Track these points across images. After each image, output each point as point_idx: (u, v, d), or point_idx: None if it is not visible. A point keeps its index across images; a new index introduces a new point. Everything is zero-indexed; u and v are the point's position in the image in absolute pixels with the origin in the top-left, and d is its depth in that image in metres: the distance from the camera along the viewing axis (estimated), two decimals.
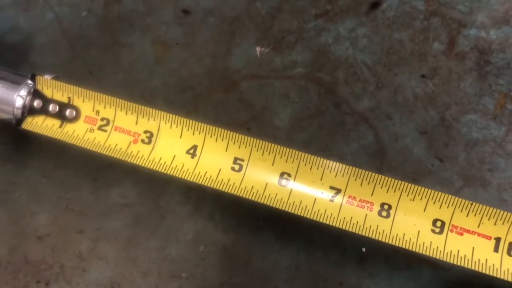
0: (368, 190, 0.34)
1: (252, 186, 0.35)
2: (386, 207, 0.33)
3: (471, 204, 0.33)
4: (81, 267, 0.38)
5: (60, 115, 0.37)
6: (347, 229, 0.33)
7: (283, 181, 0.34)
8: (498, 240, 0.32)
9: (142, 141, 0.36)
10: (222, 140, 0.35)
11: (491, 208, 0.33)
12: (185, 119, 0.36)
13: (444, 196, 0.33)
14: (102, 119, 0.36)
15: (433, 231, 0.33)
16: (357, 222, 0.33)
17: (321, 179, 0.34)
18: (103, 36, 0.44)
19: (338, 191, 0.34)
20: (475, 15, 0.43)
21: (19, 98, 0.37)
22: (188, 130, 0.36)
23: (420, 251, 0.33)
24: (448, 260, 0.32)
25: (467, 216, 0.33)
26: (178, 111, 0.37)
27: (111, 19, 0.45)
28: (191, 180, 0.35)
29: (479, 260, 0.32)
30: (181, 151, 0.35)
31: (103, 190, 0.40)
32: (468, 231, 0.33)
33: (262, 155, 0.35)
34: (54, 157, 0.41)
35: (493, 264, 0.32)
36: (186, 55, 0.44)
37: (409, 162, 0.40)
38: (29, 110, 0.37)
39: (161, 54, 0.44)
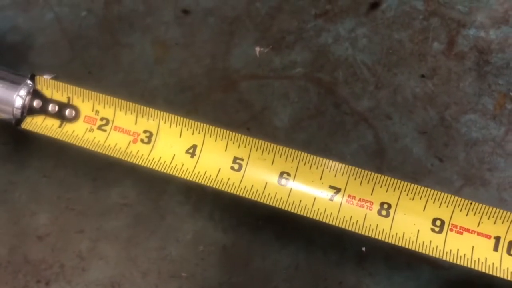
0: (368, 189, 0.34)
1: (252, 186, 0.35)
2: (385, 206, 0.33)
3: (471, 203, 0.33)
4: (81, 266, 0.38)
5: (59, 115, 0.37)
6: (346, 228, 0.33)
7: (283, 181, 0.34)
8: (497, 239, 0.32)
9: (142, 140, 0.36)
10: (222, 139, 0.35)
11: (491, 207, 0.33)
12: (185, 119, 0.36)
13: (444, 195, 0.33)
14: (101, 119, 0.36)
15: (432, 230, 0.33)
16: (357, 221, 0.33)
17: (320, 179, 0.34)
18: (103, 36, 0.44)
19: (337, 190, 0.34)
20: (475, 15, 0.43)
21: (19, 98, 0.37)
22: (187, 129, 0.36)
23: (420, 250, 0.33)
24: (447, 259, 0.32)
25: (466, 215, 0.33)
26: (177, 111, 0.37)
27: (111, 19, 0.45)
28: (190, 179, 0.35)
29: (478, 259, 0.32)
30: (181, 150, 0.35)
31: (103, 190, 0.40)
32: (467, 230, 0.33)
33: (262, 154, 0.35)
34: (54, 157, 0.41)
35: (493, 263, 0.32)
36: (185, 55, 0.44)
37: (409, 162, 0.40)
38: (28, 110, 0.37)
39: (161, 54, 0.44)
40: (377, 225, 0.33)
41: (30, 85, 0.37)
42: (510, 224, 0.32)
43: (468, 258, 0.32)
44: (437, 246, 0.33)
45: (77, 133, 0.36)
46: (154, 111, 0.36)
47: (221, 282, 0.38)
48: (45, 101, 0.37)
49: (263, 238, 0.39)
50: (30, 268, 0.38)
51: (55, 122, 0.37)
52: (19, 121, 0.37)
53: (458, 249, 0.32)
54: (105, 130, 0.36)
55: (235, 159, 0.35)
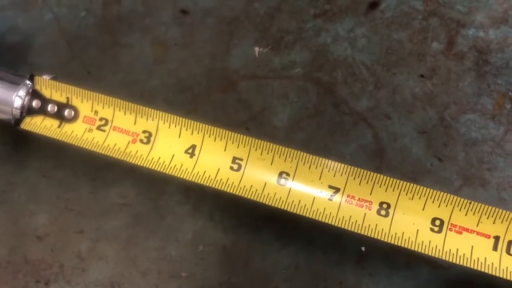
0: (367, 189, 0.34)
1: (251, 186, 0.35)
2: (385, 206, 0.33)
3: (470, 203, 0.33)
4: (81, 266, 0.38)
5: (58, 115, 0.37)
6: (346, 228, 0.33)
7: (282, 181, 0.34)
8: (497, 238, 0.32)
9: (141, 141, 0.36)
10: (221, 139, 0.35)
11: (490, 207, 0.33)
12: (184, 119, 0.36)
13: (443, 195, 0.33)
14: (100, 119, 0.36)
15: (432, 230, 0.33)
16: (356, 221, 0.33)
17: (320, 178, 0.34)
18: (102, 36, 0.44)
19: (337, 190, 0.34)
20: (474, 15, 0.43)
21: (18, 98, 0.37)
22: (186, 130, 0.36)
23: (419, 250, 0.33)
24: (447, 259, 0.32)
25: (466, 215, 0.33)
26: (177, 111, 0.37)
27: (110, 19, 0.45)
28: (190, 179, 0.35)
29: (478, 258, 0.32)
30: (180, 150, 0.35)
31: (102, 190, 0.40)
32: (467, 230, 0.33)
33: (261, 154, 0.35)
34: (53, 157, 0.41)
35: (492, 263, 0.32)
36: (185, 56, 0.44)
37: (408, 162, 0.40)
38: (27, 110, 0.37)
39: (160, 55, 0.44)
40: (376, 225, 0.33)
41: (29, 86, 0.37)
42: (509, 223, 0.32)
43: (467, 258, 0.32)
44: (436, 246, 0.33)
45: (76, 133, 0.36)
46: (153, 111, 0.36)
47: (221, 282, 0.38)
48: (44, 101, 0.37)
49: (263, 238, 0.39)
50: (30, 268, 0.38)
51: (54, 122, 0.37)
52: (18, 121, 0.37)
53: (457, 249, 0.32)
54: (104, 130, 0.36)
55: (234, 159, 0.35)
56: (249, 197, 0.34)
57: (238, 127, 0.41)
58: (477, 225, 0.33)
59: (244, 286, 0.38)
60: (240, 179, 0.35)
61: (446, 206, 0.33)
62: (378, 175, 0.34)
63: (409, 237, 0.33)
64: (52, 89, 0.37)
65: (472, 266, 0.32)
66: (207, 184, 0.35)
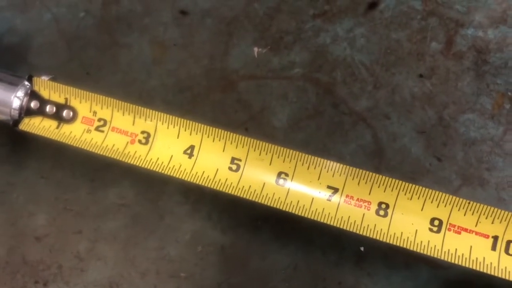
0: (366, 189, 0.34)
1: (250, 186, 0.35)
2: (383, 206, 0.33)
3: (469, 203, 0.33)
4: (80, 267, 0.38)
5: (57, 116, 0.37)
6: (344, 228, 0.33)
7: (281, 181, 0.34)
8: (495, 238, 0.32)
9: (139, 141, 0.36)
10: (219, 140, 0.35)
11: (489, 207, 0.33)
12: (182, 119, 0.36)
13: (442, 195, 0.33)
14: (99, 120, 0.36)
15: (430, 230, 0.33)
16: (355, 221, 0.33)
17: (318, 179, 0.34)
18: (101, 36, 0.44)
19: (335, 190, 0.34)
20: (473, 14, 0.43)
21: (16, 99, 0.37)
22: (185, 130, 0.36)
23: (418, 250, 0.33)
24: (445, 259, 0.32)
25: (464, 215, 0.33)
26: (176, 112, 0.37)
27: (109, 19, 0.45)
28: (188, 180, 0.35)
29: (476, 258, 0.32)
30: (179, 151, 0.35)
31: (101, 191, 0.40)
32: (465, 230, 0.33)
33: (260, 155, 0.35)
34: (52, 158, 0.41)
35: (491, 263, 0.32)
36: (184, 56, 0.44)
37: (407, 162, 0.40)
38: (26, 111, 0.37)
39: (159, 55, 0.44)
40: (375, 225, 0.33)
41: (28, 86, 0.37)
42: (508, 223, 0.32)
43: (466, 258, 0.32)
44: (435, 246, 0.33)
45: (74, 134, 0.36)
46: (152, 111, 0.36)
47: (219, 282, 0.38)
48: (43, 102, 0.37)
49: (262, 238, 0.39)
50: (28, 269, 0.38)
51: (53, 123, 0.37)
52: (17, 122, 0.37)
53: (456, 249, 0.32)
54: (102, 131, 0.36)
55: (233, 160, 0.35)
56: (247, 197, 0.34)
57: (237, 128, 0.41)
58: (475, 225, 0.33)
59: (243, 286, 0.38)
60: (238, 180, 0.35)
61: (445, 206, 0.33)
62: (377, 175, 0.34)
63: (408, 237, 0.33)
64: (50, 89, 0.37)
65: (470, 266, 0.32)
66: (206, 185, 0.35)
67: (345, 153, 0.40)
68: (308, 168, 0.34)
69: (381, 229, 0.33)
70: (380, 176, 0.34)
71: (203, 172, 0.35)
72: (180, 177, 0.35)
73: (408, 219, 0.33)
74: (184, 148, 0.36)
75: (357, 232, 0.33)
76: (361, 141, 0.40)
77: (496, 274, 0.32)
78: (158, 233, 0.39)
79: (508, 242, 0.32)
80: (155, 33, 0.44)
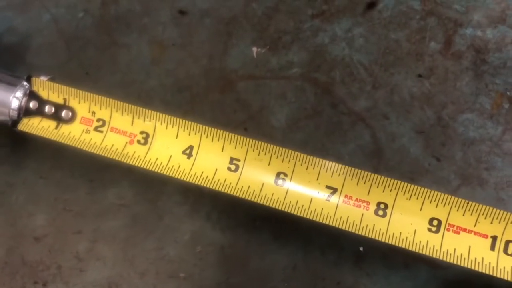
0: (364, 189, 0.34)
1: (249, 186, 0.35)
2: (382, 206, 0.33)
3: (468, 203, 0.33)
4: (79, 267, 0.38)
5: (56, 116, 0.37)
6: (343, 228, 0.33)
7: (280, 181, 0.35)
8: (494, 238, 0.32)
9: (138, 141, 0.36)
10: (218, 140, 0.35)
11: (488, 207, 0.33)
12: (181, 120, 0.36)
13: (440, 195, 0.33)
14: (98, 120, 0.36)
15: (429, 230, 0.33)
16: (354, 221, 0.33)
17: (317, 179, 0.34)
18: (99, 36, 0.44)
19: (334, 190, 0.34)
20: (471, 14, 0.43)
21: (15, 99, 0.37)
22: (184, 130, 0.36)
23: (417, 250, 0.33)
24: (444, 259, 0.32)
25: (463, 215, 0.33)
26: (175, 112, 0.37)
27: (108, 19, 0.45)
28: (187, 180, 0.35)
29: (475, 258, 0.32)
30: (177, 151, 0.36)
31: (100, 191, 0.40)
32: (464, 230, 0.33)
33: (258, 155, 0.35)
34: (51, 158, 0.41)
35: (490, 263, 0.32)
36: (182, 56, 0.44)
37: (406, 162, 0.40)
38: (25, 112, 0.37)
39: (157, 55, 0.44)
40: (374, 225, 0.33)
41: (27, 87, 0.37)
42: (507, 223, 0.32)
43: (465, 258, 0.32)
44: (434, 246, 0.33)
45: (73, 134, 0.36)
46: (151, 112, 0.36)
47: (219, 283, 0.38)
48: (42, 102, 0.37)
49: (261, 239, 0.39)
50: (28, 270, 0.38)
51: (52, 124, 0.37)
52: (16, 122, 0.37)
53: (455, 249, 0.32)
54: (101, 131, 0.36)
55: (231, 160, 0.35)
56: (246, 197, 0.34)
57: (236, 127, 0.41)
58: (474, 225, 0.33)
59: (242, 287, 0.38)
60: (237, 180, 0.35)
61: (444, 206, 0.33)
62: (376, 175, 0.34)
63: (406, 237, 0.33)
64: (49, 90, 0.37)
65: (469, 266, 0.32)
66: (205, 185, 0.35)
67: (343, 153, 0.40)
68: (307, 168, 0.34)
69: (380, 229, 0.33)
70: (379, 176, 0.34)
71: (202, 172, 0.35)
72: (179, 177, 0.35)
73: (407, 219, 0.33)
74: (183, 148, 0.36)
75: (356, 232, 0.33)
76: (359, 141, 0.40)
77: (494, 274, 0.32)
78: (157, 233, 0.39)
79: (507, 242, 0.32)
80: (154, 33, 0.44)
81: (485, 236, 0.32)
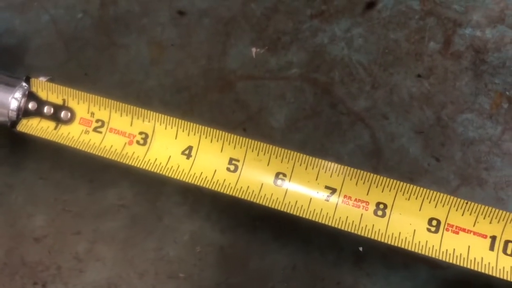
0: (364, 189, 0.34)
1: (248, 187, 0.35)
2: (381, 206, 0.33)
3: (467, 203, 0.33)
4: (78, 268, 0.38)
5: (55, 117, 0.37)
6: (342, 228, 0.33)
7: (279, 181, 0.34)
8: (493, 238, 0.32)
9: (137, 142, 0.36)
10: (217, 140, 0.35)
11: (487, 207, 0.33)
12: (180, 120, 0.36)
13: (440, 195, 0.33)
14: (97, 121, 0.36)
15: (428, 230, 0.33)
16: (353, 221, 0.33)
17: (316, 179, 0.34)
18: (98, 37, 0.44)
19: (333, 190, 0.34)
20: (471, 14, 0.43)
21: (14, 100, 0.37)
22: (183, 131, 0.36)
23: (416, 250, 0.33)
24: (443, 259, 0.32)
25: (462, 215, 0.33)
26: (173, 112, 0.37)
27: (107, 20, 0.45)
28: (186, 180, 0.35)
29: (474, 258, 0.32)
30: (176, 152, 0.36)
31: (100, 191, 0.40)
32: (463, 230, 0.33)
33: (257, 155, 0.35)
34: (50, 159, 0.41)
35: (489, 263, 0.32)
36: (181, 56, 0.44)
37: (406, 162, 0.40)
38: (24, 112, 0.37)
39: (156, 55, 0.44)
40: (373, 225, 0.33)
41: (26, 87, 0.37)
42: (506, 223, 0.32)
43: (464, 258, 0.32)
44: (433, 246, 0.33)
45: (72, 135, 0.36)
46: (150, 112, 0.36)
47: (218, 283, 0.38)
48: (41, 103, 0.37)
49: (261, 239, 0.39)
50: (27, 270, 0.38)
51: (51, 124, 0.37)
52: (15, 123, 0.37)
53: (454, 249, 0.32)
54: (100, 132, 0.36)
55: (231, 160, 0.35)
56: (246, 198, 0.34)
57: (235, 128, 0.41)
58: (473, 225, 0.33)
59: (242, 287, 0.38)
60: (236, 180, 0.35)
61: (443, 206, 0.33)
62: (375, 175, 0.34)
63: (406, 238, 0.33)
64: (48, 91, 0.37)
65: (468, 266, 0.32)
66: (204, 185, 0.35)
67: (343, 153, 0.40)
68: (306, 169, 0.34)
69: (379, 229, 0.33)
70: (378, 176, 0.34)
71: (201, 173, 0.35)
72: (178, 178, 0.35)
73: (406, 219, 0.33)
74: (182, 149, 0.36)
75: (355, 232, 0.33)
76: (359, 141, 0.40)
77: (494, 274, 0.32)
78: (157, 234, 0.39)
79: (506, 242, 0.32)
80: (153, 33, 0.44)
81: (484, 236, 0.32)
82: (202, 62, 0.43)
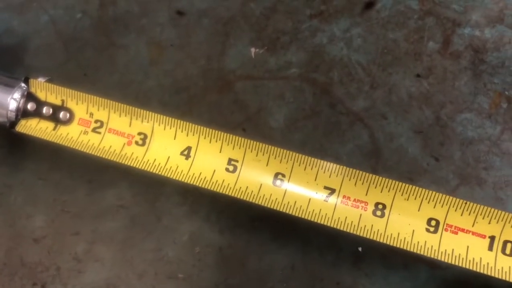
0: (363, 190, 0.34)
1: (247, 187, 0.35)
2: (380, 206, 0.33)
3: (466, 203, 0.33)
4: (77, 269, 0.38)
5: (53, 118, 0.37)
6: (341, 229, 0.33)
7: (278, 182, 0.34)
8: (492, 238, 0.32)
9: (136, 143, 0.36)
10: (216, 141, 0.35)
11: (486, 207, 0.33)
12: (179, 121, 0.36)
13: (439, 195, 0.33)
14: (96, 121, 0.36)
15: (427, 230, 0.33)
16: (352, 222, 0.33)
17: (315, 180, 0.34)
18: (98, 37, 0.44)
19: (332, 191, 0.34)
20: (470, 14, 0.43)
21: (13, 101, 0.37)
22: (182, 131, 0.36)
23: (415, 251, 0.33)
24: (442, 259, 0.32)
25: (461, 215, 0.33)
26: (173, 113, 0.37)
27: (106, 20, 0.45)
28: (185, 181, 0.35)
29: (473, 259, 0.32)
30: (175, 152, 0.35)
31: (99, 192, 0.40)
32: (462, 230, 0.33)
33: (256, 155, 0.35)
34: (49, 159, 0.41)
35: (488, 263, 0.32)
36: (181, 56, 0.44)
37: (405, 162, 0.40)
38: (23, 113, 0.37)
39: (156, 56, 0.44)
40: (372, 225, 0.33)
41: (24, 88, 0.37)
42: (505, 223, 0.32)
43: (463, 258, 0.32)
44: (432, 246, 0.33)
45: (71, 135, 0.36)
46: (149, 113, 0.36)
47: (217, 283, 0.38)
48: (39, 103, 0.37)
49: (259, 239, 0.39)
50: (26, 271, 0.38)
51: (50, 125, 0.37)
52: (14, 124, 0.37)
53: (453, 249, 0.32)
54: (99, 133, 0.36)
55: (230, 161, 0.35)
56: (245, 198, 0.34)
57: (234, 128, 0.41)
58: (472, 225, 0.33)
59: (241, 287, 0.38)
60: (235, 181, 0.35)
61: (442, 206, 0.33)
62: (374, 175, 0.34)
63: (404, 238, 0.33)
64: (47, 91, 0.37)
65: (467, 266, 0.32)
66: (203, 186, 0.35)
67: (342, 153, 0.40)
68: (305, 169, 0.34)
69: (378, 230, 0.33)
70: (377, 176, 0.34)
71: (200, 173, 0.35)
72: (177, 178, 0.35)
73: (405, 219, 0.33)
74: (181, 149, 0.36)
75: (354, 232, 0.33)
76: (358, 141, 0.40)
77: (493, 275, 0.32)
78: (156, 234, 0.39)
79: (505, 242, 0.32)
80: (152, 33, 0.44)
81: (483, 236, 0.32)
82: (201, 62, 0.43)
